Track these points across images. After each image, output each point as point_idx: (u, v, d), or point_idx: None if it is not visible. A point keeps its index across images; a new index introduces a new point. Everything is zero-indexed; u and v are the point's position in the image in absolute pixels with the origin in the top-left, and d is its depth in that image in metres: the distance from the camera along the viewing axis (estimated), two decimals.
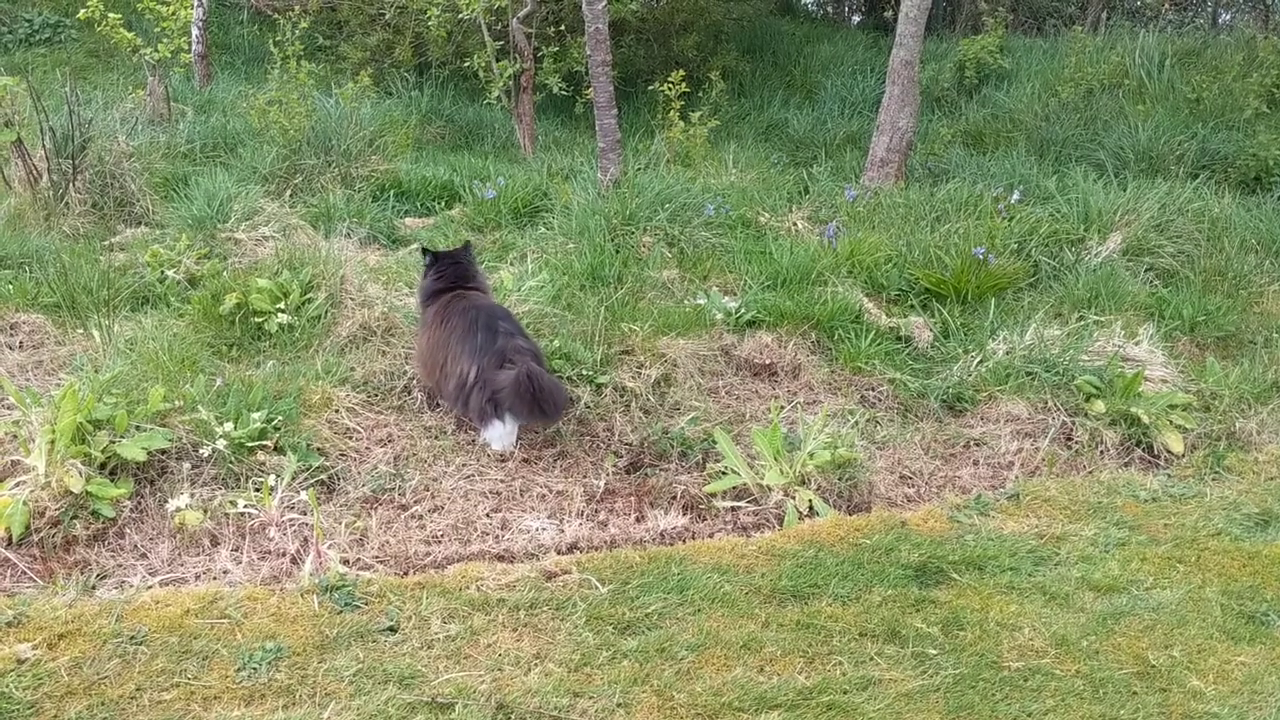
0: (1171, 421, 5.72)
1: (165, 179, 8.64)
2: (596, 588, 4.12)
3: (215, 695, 3.38)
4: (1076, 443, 5.65)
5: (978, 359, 6.19)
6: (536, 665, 3.66)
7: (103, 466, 4.33)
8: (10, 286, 5.88)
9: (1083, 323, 6.65)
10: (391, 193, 9.01)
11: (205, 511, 4.33)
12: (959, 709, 3.52)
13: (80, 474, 4.18)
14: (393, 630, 3.77)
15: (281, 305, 5.71)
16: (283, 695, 3.41)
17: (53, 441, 4.23)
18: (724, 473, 5.09)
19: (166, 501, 4.34)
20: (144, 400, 4.60)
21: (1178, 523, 4.81)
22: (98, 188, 7.80)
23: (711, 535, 4.77)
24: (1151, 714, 3.52)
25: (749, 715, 3.47)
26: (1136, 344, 6.39)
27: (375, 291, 6.20)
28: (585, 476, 5.17)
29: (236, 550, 4.24)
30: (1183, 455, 5.58)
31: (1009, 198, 8.23)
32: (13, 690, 3.29)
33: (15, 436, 4.42)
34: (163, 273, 6.31)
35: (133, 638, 3.59)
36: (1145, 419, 5.62)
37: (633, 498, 5.06)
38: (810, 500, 4.87)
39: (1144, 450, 5.64)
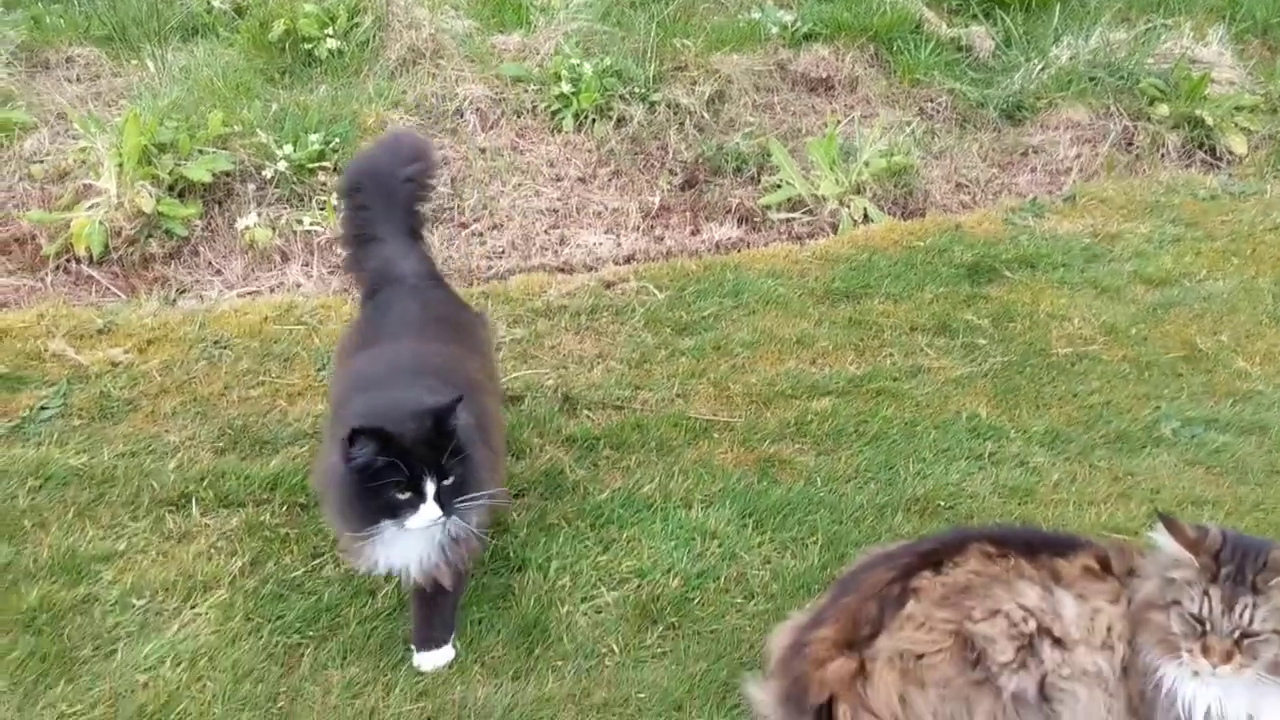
0: (1236, 124, 5.58)
1: None
2: (654, 294, 4.24)
3: (298, 392, 3.60)
4: (1137, 147, 5.56)
5: (1040, 66, 6.01)
6: (599, 363, 3.83)
7: (170, 188, 4.44)
8: (61, 20, 5.87)
9: (1150, 26, 6.39)
10: None
11: (273, 229, 4.47)
12: (1005, 392, 3.65)
13: (150, 195, 4.30)
14: None
15: (329, 30, 5.65)
16: None
17: (120, 164, 4.34)
18: (779, 185, 5.11)
19: (235, 221, 4.47)
20: (204, 125, 4.66)
21: (1235, 219, 4.79)
22: None
23: (766, 245, 4.83)
24: (1196, 392, 3.63)
25: (801, 401, 3.63)
26: (1205, 46, 6.15)
27: (421, 14, 6.08)
28: (640, 194, 5.20)
29: (306, 265, 4.40)
30: (1245, 156, 5.48)
31: None
32: (111, 389, 3.52)
33: (84, 162, 4.54)
34: (209, 2, 6.24)
35: (216, 342, 3.79)
36: (1209, 121, 5.49)
37: (688, 213, 5.11)
38: (865, 208, 4.90)
39: (1206, 152, 5.54)
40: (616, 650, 2.66)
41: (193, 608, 2.72)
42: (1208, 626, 2.16)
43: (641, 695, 2.52)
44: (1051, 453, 3.38)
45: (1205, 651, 2.16)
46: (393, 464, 2.29)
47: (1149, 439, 3.43)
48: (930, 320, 4.04)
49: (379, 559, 2.47)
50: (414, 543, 2.45)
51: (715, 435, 3.47)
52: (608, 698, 2.52)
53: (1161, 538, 2.28)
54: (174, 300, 4.18)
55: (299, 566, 2.85)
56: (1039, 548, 2.44)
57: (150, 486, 3.09)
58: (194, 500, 3.06)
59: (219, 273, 4.37)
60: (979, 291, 4.23)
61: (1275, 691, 2.20)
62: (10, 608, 2.66)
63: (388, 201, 3.08)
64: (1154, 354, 3.84)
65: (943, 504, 3.15)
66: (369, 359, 2.77)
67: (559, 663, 2.62)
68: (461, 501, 2.40)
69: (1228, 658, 2.14)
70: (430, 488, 2.33)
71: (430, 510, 2.35)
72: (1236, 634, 2.15)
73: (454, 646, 2.65)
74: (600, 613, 2.79)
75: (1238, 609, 2.15)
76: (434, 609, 2.62)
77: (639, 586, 2.86)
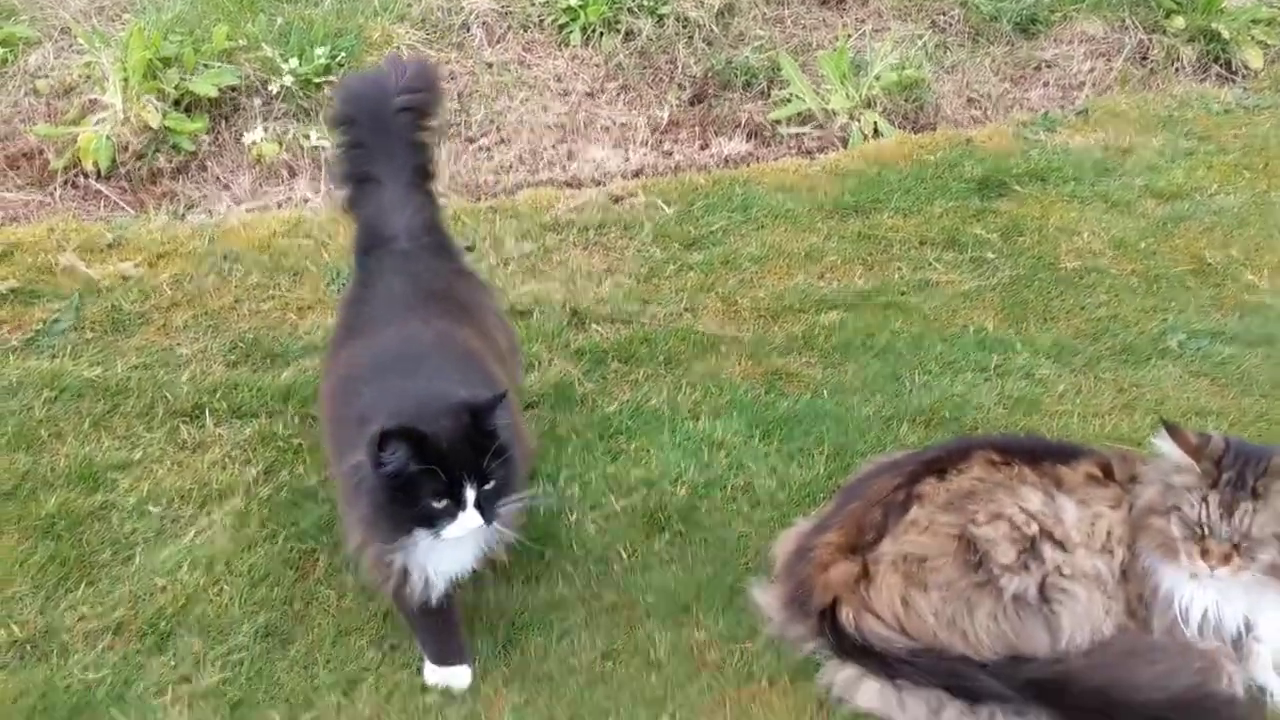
0: (1253, 37, 5.50)
1: None
2: (663, 209, 4.23)
3: (308, 305, 3.62)
4: (1152, 61, 5.48)
5: None
6: (607, 278, 3.84)
7: (176, 103, 4.42)
8: None
9: None
10: None
11: (280, 144, 4.45)
12: (1013, 305, 3.66)
13: (156, 109, 4.29)
14: (470, 249, 3.94)
15: None
16: None
17: (125, 79, 4.32)
18: (789, 99, 5.06)
19: (242, 136, 4.46)
20: (208, 39, 4.62)
21: (1249, 133, 4.76)
22: None
23: (775, 159, 4.81)
24: (1204, 305, 3.64)
25: (809, 315, 3.64)
26: None
27: None
28: (649, 108, 5.16)
29: (314, 180, 4.39)
30: (1261, 70, 5.42)
31: None
32: (122, 303, 3.55)
33: (89, 77, 4.52)
34: None
35: (226, 257, 3.81)
36: (1226, 34, 5.41)
37: (696, 127, 5.08)
38: (875, 122, 4.86)
39: (1221, 66, 5.46)
40: (625, 556, 2.71)
41: (208, 515, 2.76)
42: (1207, 531, 2.20)
43: (649, 598, 2.57)
44: (1058, 365, 3.40)
45: (1204, 554, 2.20)
46: (428, 469, 2.03)
47: (1155, 351, 3.45)
48: (939, 234, 4.04)
49: (414, 570, 2.20)
50: (452, 549, 2.20)
51: (723, 349, 3.49)
52: (617, 600, 2.57)
53: (1165, 445, 2.30)
54: (182, 215, 4.18)
55: (312, 475, 2.89)
56: (1042, 455, 2.49)
57: (164, 398, 3.13)
58: (207, 411, 3.09)
59: (227, 188, 4.37)
60: (988, 206, 4.21)
61: (1273, 593, 2.25)
62: (30, 515, 2.72)
63: (384, 136, 2.73)
64: (1162, 268, 3.83)
65: (948, 415, 3.17)
66: (364, 347, 2.48)
67: (569, 568, 2.67)
68: (504, 504, 2.15)
69: (1226, 560, 2.19)
70: (470, 495, 2.08)
71: (470, 518, 2.09)
72: (1235, 538, 2.18)
73: None
74: (609, 520, 2.83)
75: (1237, 514, 2.18)
76: (450, 618, 2.41)
77: (647, 495, 2.89)
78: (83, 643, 2.40)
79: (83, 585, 2.54)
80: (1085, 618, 2.29)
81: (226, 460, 2.94)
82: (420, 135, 2.77)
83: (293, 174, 4.42)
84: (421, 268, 2.65)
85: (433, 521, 2.08)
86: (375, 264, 2.67)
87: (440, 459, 2.03)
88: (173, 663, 2.37)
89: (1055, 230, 4.04)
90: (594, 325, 3.58)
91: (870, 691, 2.25)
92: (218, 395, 3.15)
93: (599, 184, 4.58)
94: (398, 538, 2.12)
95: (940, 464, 2.48)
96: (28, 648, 2.38)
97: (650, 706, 2.30)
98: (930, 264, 3.89)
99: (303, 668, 2.37)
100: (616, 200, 4.34)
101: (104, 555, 2.63)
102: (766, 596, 2.51)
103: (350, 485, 2.16)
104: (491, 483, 2.09)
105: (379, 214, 2.72)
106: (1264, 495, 2.18)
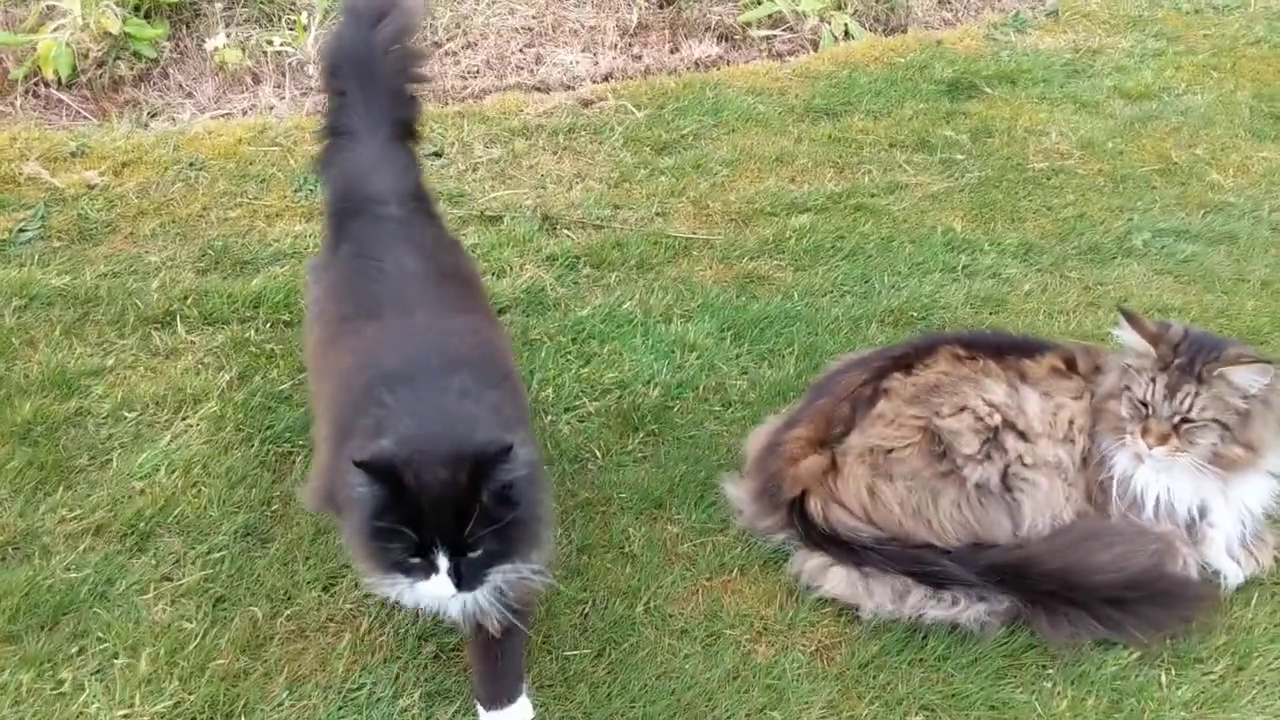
0: None
1: None
2: (633, 113, 4.22)
3: (276, 213, 3.60)
4: None
5: None
6: (578, 183, 3.83)
7: (136, 9, 4.33)
8: None
9: None
10: None
11: (243, 50, 4.38)
12: (982, 206, 3.69)
13: (116, 15, 4.20)
14: (438, 155, 3.92)
15: None
16: None
17: None
18: (759, 1, 5.02)
19: (204, 42, 4.38)
20: None
21: (1218, 33, 4.78)
22: None
23: (746, 63, 4.78)
24: (1169, 204, 3.68)
25: (780, 219, 3.65)
26: None
27: None
28: (618, 11, 5.10)
29: (279, 87, 4.33)
30: None
31: None
32: (89, 211, 3.52)
33: None
34: None
35: (192, 164, 3.77)
36: None
37: (666, 30, 5.02)
38: (846, 24, 4.84)
39: None
40: (599, 455, 2.75)
41: (184, 419, 2.77)
42: (1150, 410, 2.26)
43: (624, 495, 2.62)
44: (1024, 264, 3.44)
45: (1144, 433, 2.26)
46: (399, 518, 1.71)
47: (1120, 250, 3.49)
48: (909, 137, 4.05)
49: (394, 598, 1.96)
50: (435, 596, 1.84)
51: (695, 253, 3.50)
52: (591, 498, 2.62)
53: (1125, 334, 2.35)
54: (146, 123, 4.13)
55: (285, 380, 2.90)
56: (1007, 350, 2.53)
57: (135, 305, 3.12)
58: (179, 318, 3.09)
59: (190, 95, 4.30)
60: (958, 108, 4.22)
61: (1218, 483, 2.32)
62: (5, 421, 2.71)
63: (367, 82, 2.40)
64: (1129, 167, 3.87)
65: (916, 315, 3.21)
66: (389, 335, 2.12)
67: (545, 467, 2.70)
68: (493, 573, 1.80)
69: (1163, 440, 2.25)
70: (443, 562, 1.73)
71: (441, 585, 1.75)
72: (1175, 419, 2.24)
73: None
74: (583, 422, 2.86)
75: (1179, 396, 2.24)
76: (495, 656, 2.04)
77: (620, 397, 2.92)
78: (64, 544, 2.42)
79: (61, 489, 2.56)
80: (1046, 504, 2.35)
81: (199, 366, 2.94)
82: (409, 82, 2.50)
83: (256, 80, 4.36)
84: (426, 239, 2.35)
85: (408, 572, 1.78)
86: (367, 231, 2.32)
87: (413, 518, 1.71)
88: (154, 562, 2.40)
89: (1024, 131, 4.06)
90: (565, 230, 3.58)
91: (837, 578, 2.32)
92: (188, 302, 3.14)
93: (568, 88, 4.55)
94: (377, 570, 1.83)
95: (907, 359, 2.53)
96: (9, 549, 2.40)
97: (625, 596, 2.35)
98: (900, 166, 3.90)
99: (283, 565, 2.41)
100: (586, 104, 4.32)
101: (81, 460, 2.64)
102: (738, 490, 2.56)
103: (349, 494, 1.81)
104: (478, 551, 1.74)
105: (355, 177, 2.40)
106: (1207, 380, 2.24)
